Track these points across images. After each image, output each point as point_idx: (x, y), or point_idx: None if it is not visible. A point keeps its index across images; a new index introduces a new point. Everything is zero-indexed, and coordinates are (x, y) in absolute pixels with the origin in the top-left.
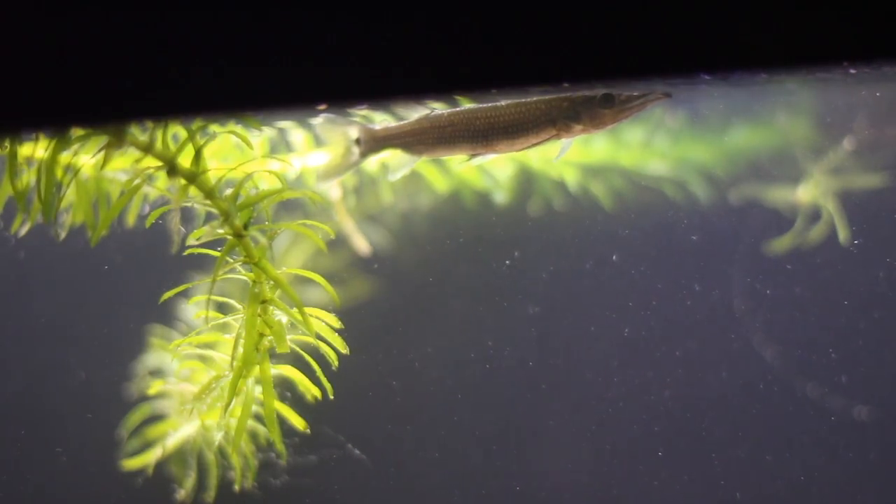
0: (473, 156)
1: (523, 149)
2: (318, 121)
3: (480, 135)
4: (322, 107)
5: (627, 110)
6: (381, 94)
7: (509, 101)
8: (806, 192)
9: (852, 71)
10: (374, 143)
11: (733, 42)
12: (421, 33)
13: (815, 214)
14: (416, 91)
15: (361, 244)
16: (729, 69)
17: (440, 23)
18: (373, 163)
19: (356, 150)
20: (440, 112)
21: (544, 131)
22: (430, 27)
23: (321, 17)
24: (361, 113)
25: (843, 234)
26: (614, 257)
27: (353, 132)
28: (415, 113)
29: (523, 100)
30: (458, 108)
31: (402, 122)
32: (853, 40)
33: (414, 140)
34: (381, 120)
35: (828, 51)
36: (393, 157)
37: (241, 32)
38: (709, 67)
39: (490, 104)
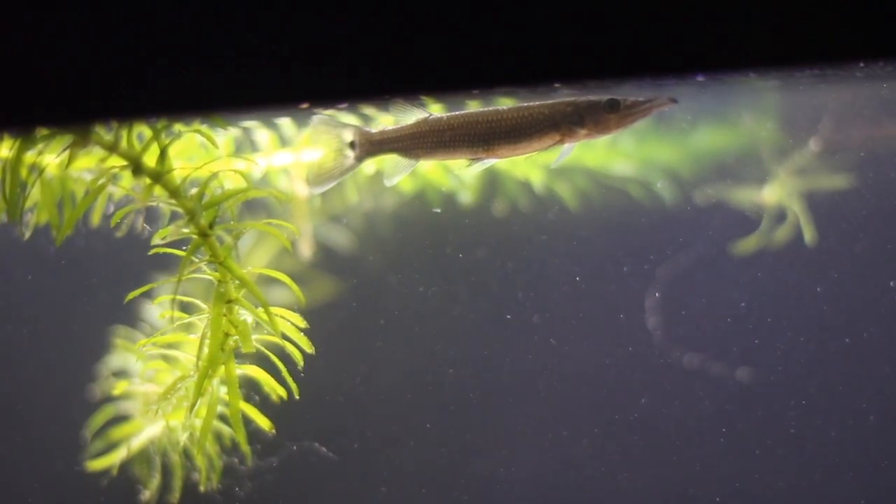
0: (474, 160)
1: (525, 154)
2: (311, 123)
3: (481, 139)
4: (304, 105)
5: (632, 115)
6: (360, 93)
7: (511, 105)
8: (771, 193)
9: (861, 65)
10: (369, 146)
11: (722, 42)
12: (404, 30)
13: (780, 215)
14: (400, 91)
15: (304, 248)
16: (720, 69)
17: (424, 19)
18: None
19: (351, 154)
20: (439, 115)
21: (548, 136)
22: (415, 24)
23: (296, 15)
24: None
25: (808, 235)
26: (580, 256)
27: (348, 135)
28: (412, 116)
29: (526, 104)
30: (458, 112)
31: (399, 126)
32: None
33: (412, 144)
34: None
35: (833, 49)
36: (389, 161)
37: (213, 31)
38: (701, 68)
39: (492, 108)
